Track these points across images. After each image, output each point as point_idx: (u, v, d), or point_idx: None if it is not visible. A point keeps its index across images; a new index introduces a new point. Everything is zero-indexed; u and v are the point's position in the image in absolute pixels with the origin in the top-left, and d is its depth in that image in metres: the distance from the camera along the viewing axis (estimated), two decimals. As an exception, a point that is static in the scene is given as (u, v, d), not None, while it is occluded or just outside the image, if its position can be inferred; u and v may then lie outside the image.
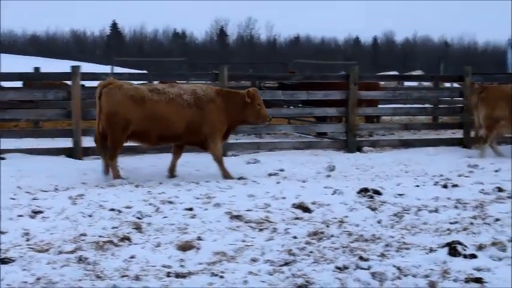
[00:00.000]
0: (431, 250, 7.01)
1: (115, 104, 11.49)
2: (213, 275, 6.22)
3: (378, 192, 9.90)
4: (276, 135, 18.49)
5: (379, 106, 19.67)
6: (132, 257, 6.74)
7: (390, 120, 23.18)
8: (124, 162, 12.57)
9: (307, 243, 7.33)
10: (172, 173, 12.18)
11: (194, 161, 12.92)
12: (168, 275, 6.24)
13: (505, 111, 14.41)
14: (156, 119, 11.55)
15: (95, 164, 12.71)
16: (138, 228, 7.91)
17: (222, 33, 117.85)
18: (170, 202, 9.30)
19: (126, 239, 7.38)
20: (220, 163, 12.01)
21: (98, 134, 11.75)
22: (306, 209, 8.89)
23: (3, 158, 12.99)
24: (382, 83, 23.12)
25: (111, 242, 7.24)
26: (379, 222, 8.37)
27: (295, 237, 7.55)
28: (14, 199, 9.39)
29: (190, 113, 11.72)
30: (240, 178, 11.64)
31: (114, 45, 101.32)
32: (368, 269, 6.36)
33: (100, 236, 7.49)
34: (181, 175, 12.03)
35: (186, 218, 8.42)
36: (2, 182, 10.68)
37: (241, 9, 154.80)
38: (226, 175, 11.92)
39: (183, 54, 66.19)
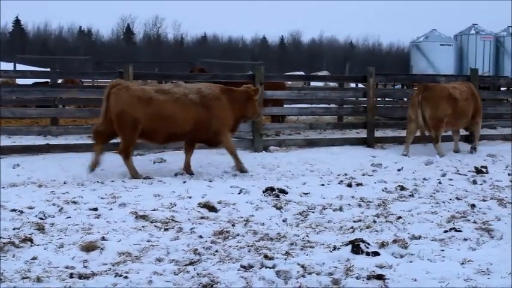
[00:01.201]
0: (335, 248, 7.10)
1: (123, 104, 11.66)
2: (118, 275, 6.14)
3: (283, 191, 9.97)
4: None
5: (285, 106, 19.85)
6: (34, 258, 6.60)
7: (296, 120, 23.42)
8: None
9: (213, 242, 7.33)
10: (188, 170, 12.36)
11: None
12: (71, 276, 6.12)
13: (448, 110, 14.75)
14: (163, 118, 11.81)
15: (-4, 163, 12.42)
16: (40, 229, 7.76)
17: (128, 31, 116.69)
18: (74, 202, 9.16)
19: (28, 240, 7.22)
20: (235, 156, 12.52)
21: (97, 131, 12.07)
22: (212, 209, 8.89)
23: None
24: (289, 82, 23.34)
25: (12, 243, 7.06)
26: (284, 221, 8.43)
27: (200, 237, 7.54)
28: None
29: (196, 111, 12.03)
30: (146, 178, 11.54)
31: (16, 42, 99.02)
32: (273, 268, 6.39)
33: (0, 238, 7.31)
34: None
35: (91, 218, 8.31)
36: None
37: (148, 8, 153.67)
38: (240, 167, 12.43)
39: (89, 53, 65.38)
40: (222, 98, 12.33)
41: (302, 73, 45.84)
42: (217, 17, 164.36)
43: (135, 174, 11.77)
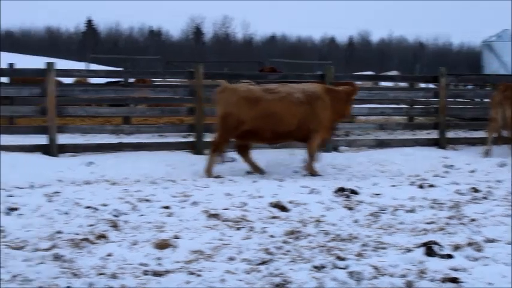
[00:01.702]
0: (407, 250, 7.04)
1: (230, 105, 12.04)
2: (190, 273, 6.20)
3: (354, 192, 9.93)
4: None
5: (355, 106, 19.68)
6: (108, 255, 6.71)
7: (366, 120, 23.24)
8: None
9: (284, 242, 7.34)
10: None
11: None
12: (145, 273, 6.21)
13: None
14: (270, 117, 12.09)
15: (71, 161, 12.65)
16: (114, 226, 7.88)
17: (197, 31, 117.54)
18: (147, 200, 9.27)
19: (102, 236, 7.35)
20: (311, 158, 12.45)
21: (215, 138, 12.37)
22: (283, 208, 8.90)
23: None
24: (358, 82, 23.15)
25: (87, 239, 7.20)
26: (355, 221, 8.39)
27: (272, 236, 7.55)
28: (-11, 195, 9.30)
29: (301, 110, 12.24)
30: (217, 176, 11.62)
31: (89, 42, 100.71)
32: (345, 269, 6.37)
33: (76, 234, 7.45)
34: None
35: (163, 216, 8.40)
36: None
37: (217, 8, 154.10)
38: (312, 170, 12.41)
39: (159, 52, 66.02)
40: (324, 97, 12.45)
41: (371, 73, 45.46)
42: (287, 17, 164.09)
43: (209, 171, 11.94)
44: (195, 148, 14.30)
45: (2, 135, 14.39)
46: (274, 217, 8.50)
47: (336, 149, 15.27)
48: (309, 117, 12.29)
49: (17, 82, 18.15)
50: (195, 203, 9.13)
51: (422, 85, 27.33)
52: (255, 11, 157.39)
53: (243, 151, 12.56)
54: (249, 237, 7.54)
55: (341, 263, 6.52)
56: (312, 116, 12.29)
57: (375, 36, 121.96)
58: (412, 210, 8.94)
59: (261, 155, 13.09)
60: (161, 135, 17.12)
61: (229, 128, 12.08)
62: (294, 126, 12.25)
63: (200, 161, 13.03)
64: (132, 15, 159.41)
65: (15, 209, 8.54)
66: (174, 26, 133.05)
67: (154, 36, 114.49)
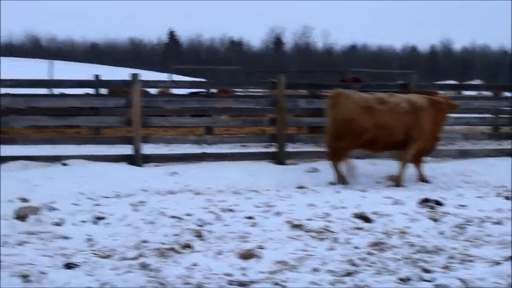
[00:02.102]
0: (495, 263, 6.90)
1: (349, 112, 12.15)
2: (275, 284, 6.22)
3: (439, 203, 9.78)
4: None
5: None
6: (194, 265, 6.77)
7: (450, 130, 22.84)
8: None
9: (369, 253, 7.28)
10: (342, 180, 12.47)
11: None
12: (230, 283, 6.25)
13: None
14: (383, 127, 12.22)
15: (155, 171, 12.83)
16: (199, 235, 7.96)
17: (278, 41, 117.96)
18: (230, 210, 9.32)
19: (187, 246, 7.43)
20: (403, 166, 12.47)
21: (331, 143, 12.47)
22: (367, 219, 8.83)
23: (65, 164, 13.17)
24: (440, 92, 22.82)
25: (172, 249, 7.29)
26: (441, 233, 8.27)
27: (356, 248, 7.51)
28: (76, 205, 9.50)
29: (407, 120, 12.33)
30: (299, 187, 11.62)
31: (171, 53, 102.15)
32: (431, 281, 6.29)
33: (162, 243, 7.55)
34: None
35: (247, 226, 8.43)
36: (65, 188, 10.89)
37: (298, 18, 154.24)
38: (398, 181, 12.39)
39: (239, 62, 66.49)
40: (428, 108, 12.51)
41: (454, 82, 44.77)
42: (367, 26, 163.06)
43: (343, 179, 12.27)
44: (277, 158, 14.32)
45: (87, 145, 14.77)
46: (357, 228, 8.44)
47: (419, 160, 15.05)
48: (413, 127, 12.34)
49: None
50: (278, 213, 9.14)
51: (508, 94, 26.81)
52: (336, 20, 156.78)
53: (337, 159, 12.54)
54: (332, 248, 7.51)
55: (427, 276, 6.44)
56: (415, 127, 12.34)
57: (458, 45, 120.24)
58: (499, 222, 8.76)
59: (342, 165, 13.02)
60: (243, 145, 17.21)
61: (354, 133, 12.16)
62: (401, 136, 12.35)
63: (282, 171, 13.07)
64: (213, 26, 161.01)
65: (102, 218, 8.70)
66: (255, 36, 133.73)
67: (235, 46, 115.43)
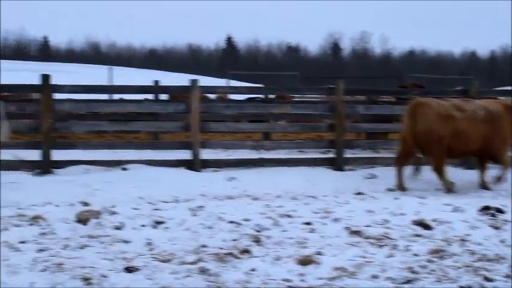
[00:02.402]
0: (559, 272, 6.78)
1: (428, 122, 12.20)
2: (334, 290, 6.20)
3: (500, 211, 9.63)
4: (393, 150, 18.21)
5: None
6: (252, 270, 6.78)
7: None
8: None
9: (429, 261, 7.21)
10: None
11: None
12: (290, 289, 6.26)
13: None
14: (461, 135, 12.26)
15: (213, 176, 12.90)
16: (257, 241, 7.97)
17: (335, 46, 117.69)
18: (288, 216, 9.31)
19: (246, 251, 7.45)
20: (503, 172, 12.53)
21: (403, 150, 12.62)
22: (426, 226, 8.74)
23: (125, 169, 13.34)
24: (502, 98, 22.49)
25: (231, 254, 7.32)
26: (502, 241, 8.13)
27: (416, 255, 7.44)
28: (136, 209, 9.59)
29: (484, 128, 12.34)
30: (357, 193, 11.58)
31: (228, 58, 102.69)
32: (493, 290, 6.21)
33: (220, 248, 7.58)
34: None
35: (305, 232, 8.41)
36: (125, 192, 11.03)
37: (356, 23, 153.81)
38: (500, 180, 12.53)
39: (296, 68, 66.44)
40: (506, 115, 12.45)
41: (515, 88, 44.05)
42: (426, 31, 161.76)
43: (450, 187, 12.26)
44: (335, 164, 14.29)
45: (147, 150, 14.94)
46: (417, 235, 8.36)
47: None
48: (491, 135, 12.33)
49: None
50: (336, 220, 9.10)
51: None
52: (394, 25, 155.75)
53: (402, 165, 12.53)
54: (392, 255, 7.46)
55: (489, 284, 6.35)
56: (494, 135, 12.34)
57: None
58: None
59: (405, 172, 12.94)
60: (300, 151, 17.19)
61: (437, 144, 12.18)
62: (478, 145, 12.35)
63: (340, 177, 13.04)
64: (271, 31, 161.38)
65: (162, 223, 8.78)
66: (312, 42, 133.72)
67: (293, 52, 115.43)
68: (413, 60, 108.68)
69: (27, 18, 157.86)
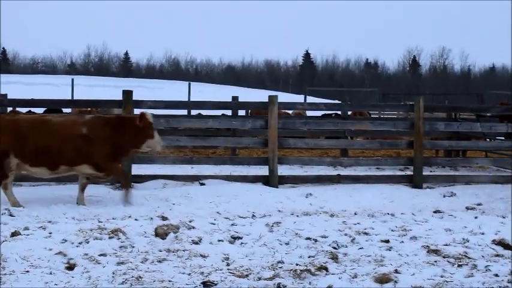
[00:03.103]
0: None
1: None
2: (412, 309, 6.13)
3: None
4: (472, 168, 17.94)
5: None
6: (329, 287, 6.76)
7: None
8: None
9: (510, 282, 7.06)
10: None
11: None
12: (366, 307, 6.21)
13: None
14: None
15: (290, 191, 12.92)
16: (334, 258, 7.93)
17: (414, 63, 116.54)
18: (366, 233, 9.25)
19: (323, 268, 7.42)
20: None
21: None
22: (507, 246, 8.56)
23: (203, 184, 13.47)
24: None
25: (308, 270, 7.29)
26: None
27: (496, 275, 7.29)
28: (213, 224, 9.67)
29: None
30: (436, 211, 11.42)
31: (306, 74, 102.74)
32: None
33: (297, 264, 7.57)
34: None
35: (382, 250, 8.33)
36: (202, 207, 11.16)
37: (435, 39, 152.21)
38: None
39: (374, 84, 66.06)
40: None
41: None
42: (506, 47, 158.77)
43: None
44: (413, 181, 14.13)
45: (225, 165, 15.06)
46: (497, 255, 8.20)
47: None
48: None
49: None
50: (414, 238, 9.00)
51: None
52: (474, 41, 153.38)
53: None
54: (471, 275, 7.33)
55: None
56: None
57: None
58: None
59: (480, 190, 12.78)
60: (378, 168, 17.07)
61: None
62: None
63: (418, 195, 12.90)
64: (348, 47, 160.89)
65: (239, 238, 8.82)
66: (391, 58, 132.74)
67: (371, 68, 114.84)
68: (494, 76, 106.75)
69: (109, 34, 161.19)
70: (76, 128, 11.40)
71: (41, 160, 11.27)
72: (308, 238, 8.83)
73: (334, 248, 8.43)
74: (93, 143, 11.31)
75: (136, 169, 13.88)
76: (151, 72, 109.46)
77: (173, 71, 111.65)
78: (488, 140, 19.08)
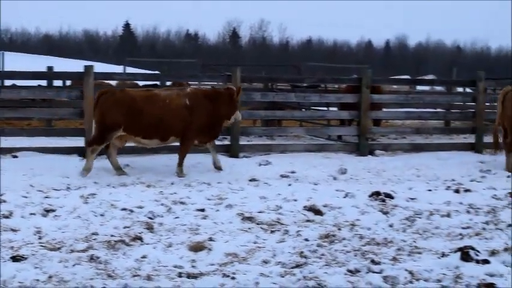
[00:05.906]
0: (443, 255, 7.00)
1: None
2: (225, 276, 6.23)
3: (389, 196, 9.86)
4: (288, 138, 18.38)
5: (392, 110, 19.44)
6: (143, 257, 6.76)
7: (402, 124, 23.02)
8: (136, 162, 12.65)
9: (319, 245, 7.32)
10: None
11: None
12: (180, 275, 6.25)
13: None
14: None
15: (106, 163, 12.73)
16: (149, 228, 7.92)
17: (234, 34, 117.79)
18: (182, 203, 9.28)
19: (137, 238, 7.40)
20: None
21: (496, 132, 13.67)
22: (318, 212, 8.88)
23: (15, 156, 13.02)
24: (395, 86, 23.06)
25: (122, 241, 7.25)
26: (390, 226, 8.35)
27: (306, 240, 7.55)
28: (26, 197, 9.37)
29: None
30: (251, 180, 11.62)
31: (126, 45, 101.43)
32: (380, 273, 6.36)
33: (112, 236, 7.50)
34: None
35: (198, 219, 8.41)
36: (15, 180, 10.77)
37: (254, 11, 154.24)
38: None
39: (195, 55, 66.21)
40: None
41: (408, 77, 45.14)
42: (323, 21, 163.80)
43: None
44: (230, 151, 14.29)
45: (40, 137, 14.62)
46: (308, 220, 8.49)
47: (371, 153, 15.18)
48: None
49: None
50: (229, 206, 9.12)
51: (460, 89, 27.15)
52: (292, 14, 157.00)
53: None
54: (283, 240, 7.55)
55: (376, 267, 6.50)
56: None
57: (412, 41, 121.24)
58: (448, 215, 8.87)
59: (294, 158, 13.08)
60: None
61: None
62: None
63: (235, 164, 13.09)
64: (169, 18, 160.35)
65: (52, 211, 8.60)
66: (211, 30, 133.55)
67: (191, 39, 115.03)
68: (312, 49, 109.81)
69: None
70: (181, 100, 12.12)
71: (154, 132, 12.00)
72: (124, 209, 8.77)
73: (150, 218, 8.41)
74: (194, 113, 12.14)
75: None
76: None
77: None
78: (303, 110, 19.58)
